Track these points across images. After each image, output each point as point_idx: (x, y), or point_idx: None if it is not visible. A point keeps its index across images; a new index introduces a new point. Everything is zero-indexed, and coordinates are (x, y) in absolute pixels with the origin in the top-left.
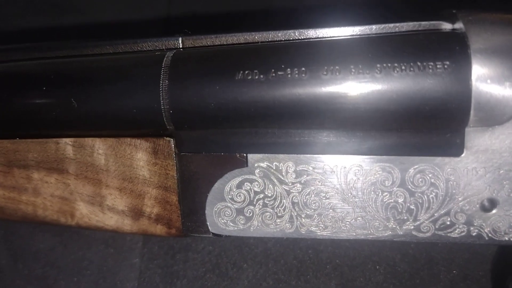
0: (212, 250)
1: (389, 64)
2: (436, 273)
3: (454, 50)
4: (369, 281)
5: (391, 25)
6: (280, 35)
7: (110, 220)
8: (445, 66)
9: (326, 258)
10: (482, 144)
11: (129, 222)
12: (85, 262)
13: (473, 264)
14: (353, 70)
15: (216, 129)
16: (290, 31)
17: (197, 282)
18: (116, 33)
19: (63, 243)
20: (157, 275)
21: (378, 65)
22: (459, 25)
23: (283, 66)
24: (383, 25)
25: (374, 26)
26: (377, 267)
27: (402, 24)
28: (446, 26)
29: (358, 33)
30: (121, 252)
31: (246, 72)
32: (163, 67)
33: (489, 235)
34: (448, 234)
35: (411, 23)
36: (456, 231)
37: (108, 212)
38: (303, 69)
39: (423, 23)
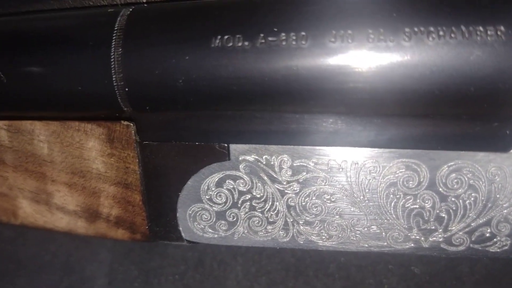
0: (196, 245)
1: (422, 28)
2: (458, 275)
3: (510, 10)
4: (381, 283)
5: None
6: None
7: (60, 222)
8: (498, 33)
9: (330, 256)
10: None
11: (83, 225)
12: (48, 256)
13: (501, 265)
14: (372, 35)
15: (188, 112)
16: None
17: (177, 282)
18: None
19: (24, 235)
20: (131, 272)
21: (407, 29)
22: None
23: (275, 30)
24: None
25: None
26: (390, 267)
27: None
28: None
29: None
30: (89, 245)
31: (226, 37)
32: (116, 29)
33: None
34: (487, 248)
35: None
36: (497, 245)
37: (57, 212)
38: (303, 33)
39: None
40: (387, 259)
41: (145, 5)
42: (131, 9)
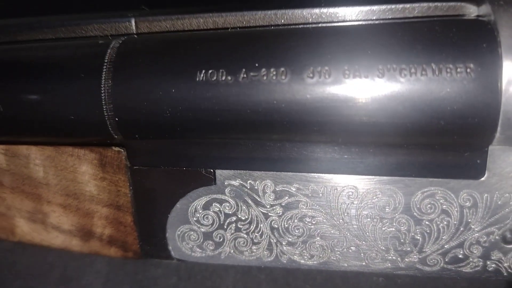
0: None
1: (395, 66)
2: (441, 287)
3: (480, 48)
4: None
5: (399, 6)
6: (258, 17)
7: (56, 240)
8: (468, 70)
9: (317, 267)
10: (507, 166)
11: (78, 243)
12: (45, 266)
13: (483, 279)
14: (347, 72)
15: (175, 139)
16: (269, 12)
17: None
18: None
19: (22, 246)
20: (125, 283)
21: (380, 66)
22: (486, 10)
23: (257, 65)
24: (387, 6)
25: (375, 8)
26: (374, 278)
27: (413, 5)
28: (470, 10)
29: (355, 17)
30: (86, 256)
31: (210, 71)
32: (106, 62)
33: (509, 270)
34: (460, 269)
35: (424, 4)
36: (470, 266)
37: (53, 231)
38: (283, 69)
39: (440, 4)
40: (373, 271)
41: (134, 35)
42: (120, 41)
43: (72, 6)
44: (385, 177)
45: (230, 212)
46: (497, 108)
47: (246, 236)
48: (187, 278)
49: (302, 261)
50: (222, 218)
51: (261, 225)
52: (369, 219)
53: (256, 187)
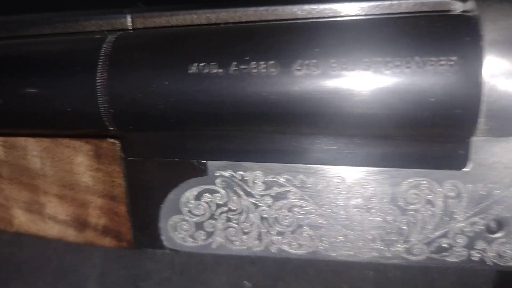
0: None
1: (380, 59)
2: (430, 280)
3: (463, 41)
4: None
5: (386, 2)
6: (250, 13)
7: (52, 230)
8: (451, 63)
9: (308, 262)
10: (490, 157)
11: (73, 233)
12: (42, 260)
13: (472, 271)
14: (334, 65)
15: (169, 131)
16: (260, 9)
17: (163, 286)
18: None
19: (19, 239)
20: (120, 276)
21: (366, 60)
22: (471, 5)
23: (247, 58)
24: (375, 3)
25: (364, 4)
26: (365, 272)
27: (400, 1)
28: (455, 6)
29: (343, 14)
30: (82, 250)
31: (202, 64)
32: (102, 55)
33: (493, 260)
34: (445, 258)
35: (411, 1)
36: (454, 255)
37: (49, 221)
38: (272, 62)
39: (426, 1)
40: (363, 265)
41: (130, 31)
42: (116, 36)
43: (70, 3)
44: (371, 168)
45: (221, 203)
46: (479, 99)
47: (236, 226)
48: (181, 272)
49: (291, 250)
50: (213, 208)
51: (251, 215)
52: (356, 209)
53: (246, 178)
